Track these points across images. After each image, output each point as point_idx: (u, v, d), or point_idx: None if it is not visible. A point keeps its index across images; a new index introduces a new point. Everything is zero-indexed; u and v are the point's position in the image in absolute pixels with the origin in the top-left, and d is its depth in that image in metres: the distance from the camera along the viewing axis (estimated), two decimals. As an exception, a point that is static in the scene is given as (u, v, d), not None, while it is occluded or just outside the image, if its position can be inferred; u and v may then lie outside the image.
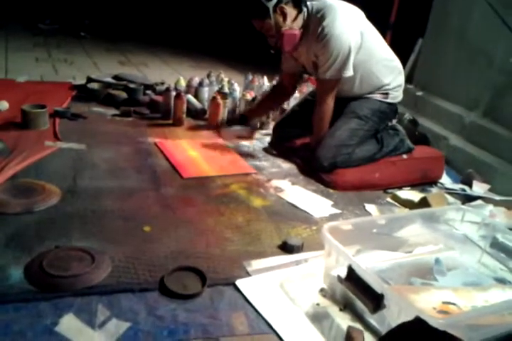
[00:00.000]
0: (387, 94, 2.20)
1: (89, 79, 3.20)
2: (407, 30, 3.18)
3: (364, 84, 2.17)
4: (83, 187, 1.80)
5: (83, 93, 3.06)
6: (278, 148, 2.46)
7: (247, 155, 2.36)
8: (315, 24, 2.04)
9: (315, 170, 2.15)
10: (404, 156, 2.25)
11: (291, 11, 2.03)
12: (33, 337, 1.05)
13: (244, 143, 2.54)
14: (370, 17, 2.15)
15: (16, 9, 5.96)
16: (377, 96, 2.19)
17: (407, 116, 2.64)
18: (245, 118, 2.61)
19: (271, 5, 1.98)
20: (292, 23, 2.05)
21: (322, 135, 2.17)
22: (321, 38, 2.01)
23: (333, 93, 2.13)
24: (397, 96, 2.24)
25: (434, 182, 2.27)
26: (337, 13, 2.02)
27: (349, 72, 2.06)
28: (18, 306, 1.14)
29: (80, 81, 3.32)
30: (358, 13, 2.12)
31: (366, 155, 2.16)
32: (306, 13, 2.07)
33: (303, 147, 2.35)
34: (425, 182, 2.25)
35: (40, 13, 5.86)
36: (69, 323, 1.11)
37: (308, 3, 2.07)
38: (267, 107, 2.66)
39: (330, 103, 2.14)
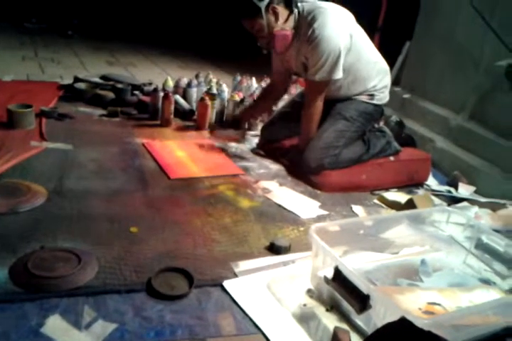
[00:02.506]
0: (372, 95, 2.21)
1: (77, 79, 3.19)
2: (395, 33, 3.21)
3: (352, 86, 2.18)
4: (69, 188, 1.79)
5: (70, 93, 3.05)
6: (266, 149, 2.47)
7: (235, 156, 2.37)
8: (305, 26, 2.04)
9: (303, 171, 2.16)
10: (391, 158, 2.26)
11: (282, 12, 2.03)
12: (17, 338, 1.04)
13: (233, 144, 2.54)
14: (359, 20, 2.16)
15: (1, 8, 5.90)
16: (363, 98, 2.21)
17: (394, 118, 2.66)
18: (237, 123, 2.61)
19: (263, 5, 1.98)
20: (284, 23, 2.05)
21: (311, 137, 2.17)
22: (311, 40, 2.02)
23: (323, 95, 2.13)
24: (382, 97, 2.25)
25: (420, 184, 2.29)
26: (327, 15, 2.03)
27: (339, 74, 2.07)
28: (2, 307, 1.13)
29: (67, 81, 3.31)
30: (347, 16, 2.13)
31: (353, 156, 2.17)
32: (296, 15, 2.07)
33: (291, 148, 2.35)
34: (412, 183, 2.26)
35: (27, 12, 5.82)
36: (55, 324, 1.10)
37: (298, 4, 2.07)
38: (261, 108, 2.65)
39: (319, 105, 2.15)
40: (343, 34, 2.04)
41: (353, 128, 2.18)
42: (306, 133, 2.21)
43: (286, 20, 2.06)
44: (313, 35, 2.01)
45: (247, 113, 2.63)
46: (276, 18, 2.03)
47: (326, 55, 2.01)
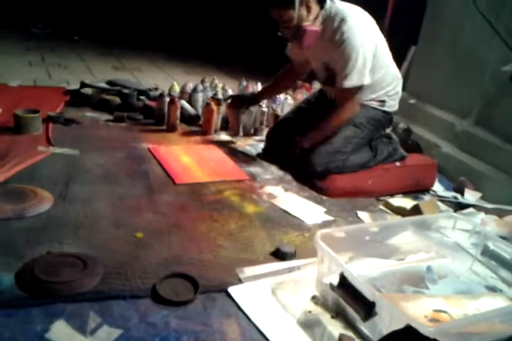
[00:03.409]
0: (384, 101, 2.20)
1: (83, 84, 3.20)
2: (400, 37, 3.20)
3: (367, 91, 2.15)
4: (76, 193, 1.79)
5: (77, 98, 3.06)
6: (271, 154, 2.46)
7: (240, 161, 2.37)
8: (333, 27, 2.02)
9: (308, 175, 2.15)
10: (398, 164, 2.26)
11: (314, 7, 2.00)
12: (23, 343, 1.05)
13: (239, 149, 2.54)
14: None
15: (7, 13, 5.94)
16: (374, 104, 2.20)
17: (402, 125, 2.66)
18: (256, 99, 2.61)
19: None
20: (314, 19, 2.02)
21: (320, 137, 2.16)
22: (339, 43, 2.00)
23: (355, 100, 2.11)
24: (393, 104, 2.24)
25: (426, 189, 2.29)
26: (356, 19, 2.01)
27: (367, 80, 2.05)
28: (9, 312, 1.14)
29: (74, 86, 3.32)
30: (372, 21, 2.11)
31: (360, 162, 2.16)
32: (325, 13, 2.04)
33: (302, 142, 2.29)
34: (418, 189, 2.26)
35: (33, 17, 5.86)
36: (60, 330, 1.10)
37: (328, 3, 2.04)
38: (278, 88, 2.63)
39: (352, 110, 2.12)
40: (371, 40, 2.03)
41: (361, 135, 2.18)
42: (322, 133, 2.17)
43: (317, 16, 2.03)
44: (341, 38, 1.98)
45: (264, 91, 2.63)
46: (309, 12, 1.99)
47: (354, 60, 1.99)
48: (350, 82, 2.03)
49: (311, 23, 2.03)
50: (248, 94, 2.70)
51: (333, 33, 2.02)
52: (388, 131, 2.45)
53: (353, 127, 2.16)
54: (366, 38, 2.02)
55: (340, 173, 2.12)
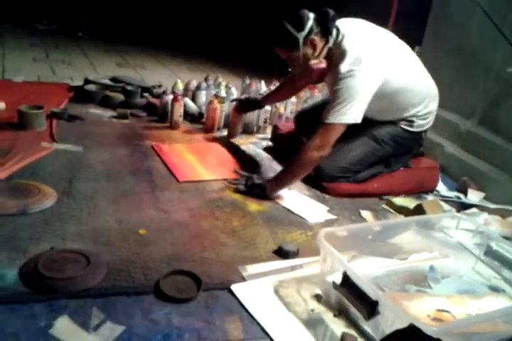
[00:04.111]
0: (412, 121, 2.10)
1: (87, 81, 3.21)
2: (405, 37, 3.20)
3: (385, 114, 2.09)
4: (79, 189, 1.80)
5: (80, 94, 3.07)
6: (275, 152, 2.45)
7: (243, 159, 2.37)
8: (337, 57, 1.89)
9: (314, 176, 2.10)
10: (401, 168, 2.25)
11: (320, 44, 1.90)
12: (27, 339, 1.05)
13: (242, 147, 2.54)
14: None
15: (12, 9, 5.95)
16: (402, 123, 2.11)
17: None
18: (259, 104, 2.56)
19: (301, 36, 1.85)
20: (319, 54, 1.92)
21: (284, 186, 1.98)
22: (336, 81, 1.85)
23: (330, 144, 1.85)
24: (423, 124, 2.13)
25: (429, 191, 2.28)
26: (361, 53, 1.85)
27: (353, 120, 1.84)
28: (12, 308, 1.14)
29: (78, 82, 3.32)
30: (385, 49, 1.95)
31: (370, 174, 2.14)
32: (333, 46, 1.92)
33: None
34: (421, 191, 2.25)
35: (38, 13, 5.86)
36: (63, 326, 1.10)
37: (335, 24, 1.92)
38: (281, 96, 2.60)
39: (319, 157, 1.86)
40: (375, 78, 1.86)
41: (380, 154, 2.11)
42: (284, 181, 1.96)
43: (322, 50, 1.92)
44: (339, 76, 1.84)
45: (267, 97, 2.57)
46: (314, 50, 1.90)
47: (342, 99, 1.82)
48: (331, 119, 1.83)
49: (318, 61, 1.93)
50: (253, 97, 2.69)
51: (336, 64, 1.87)
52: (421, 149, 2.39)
53: (375, 143, 2.09)
54: (367, 79, 1.84)
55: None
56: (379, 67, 1.88)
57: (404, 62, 2.03)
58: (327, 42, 1.91)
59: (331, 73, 1.91)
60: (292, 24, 1.85)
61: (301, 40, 1.86)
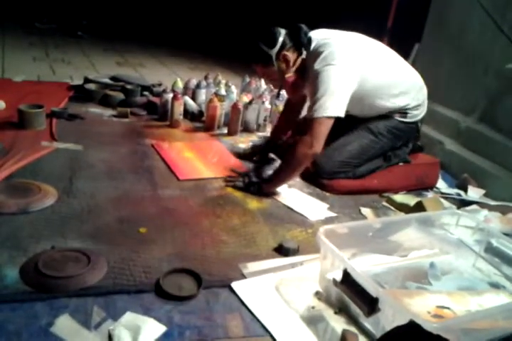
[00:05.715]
0: (405, 113, 2.13)
1: (87, 80, 3.21)
2: (404, 34, 3.20)
3: (374, 109, 2.11)
4: (79, 188, 1.80)
5: (80, 93, 3.07)
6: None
7: (243, 157, 2.37)
8: (312, 61, 1.94)
9: (313, 173, 2.11)
10: (401, 163, 2.26)
11: (292, 57, 1.99)
12: (28, 337, 1.05)
13: (242, 145, 2.54)
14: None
15: (12, 8, 5.94)
16: (396, 116, 2.13)
17: None
18: (274, 143, 2.44)
19: (273, 53, 1.95)
20: (293, 67, 2.01)
21: (281, 184, 2.00)
22: (313, 79, 1.91)
23: (323, 138, 1.87)
24: (416, 114, 2.16)
25: (429, 187, 2.28)
26: (334, 50, 1.91)
27: (334, 113, 1.85)
28: (13, 306, 1.14)
29: (77, 81, 3.33)
30: (359, 49, 1.99)
31: (370, 169, 2.14)
32: (306, 56, 2.00)
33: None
34: (421, 188, 2.25)
35: (37, 12, 5.86)
36: (64, 324, 1.10)
37: (308, 35, 1.99)
38: (286, 127, 2.46)
39: (314, 151, 1.86)
40: (350, 72, 1.91)
41: (378, 146, 2.13)
42: (280, 178, 1.98)
43: (295, 62, 2.01)
44: (314, 73, 1.91)
45: (274, 134, 2.47)
46: (287, 65, 1.99)
47: (321, 93, 1.85)
48: (314, 114, 1.86)
49: (293, 75, 2.03)
50: (261, 142, 2.58)
51: (312, 71, 1.93)
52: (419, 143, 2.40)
53: (372, 136, 2.11)
54: (342, 76, 1.88)
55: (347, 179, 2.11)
56: (353, 61, 1.93)
57: (380, 58, 2.08)
58: (300, 54, 2.01)
59: (309, 77, 1.97)
60: (264, 42, 1.96)
61: (273, 56, 1.96)
